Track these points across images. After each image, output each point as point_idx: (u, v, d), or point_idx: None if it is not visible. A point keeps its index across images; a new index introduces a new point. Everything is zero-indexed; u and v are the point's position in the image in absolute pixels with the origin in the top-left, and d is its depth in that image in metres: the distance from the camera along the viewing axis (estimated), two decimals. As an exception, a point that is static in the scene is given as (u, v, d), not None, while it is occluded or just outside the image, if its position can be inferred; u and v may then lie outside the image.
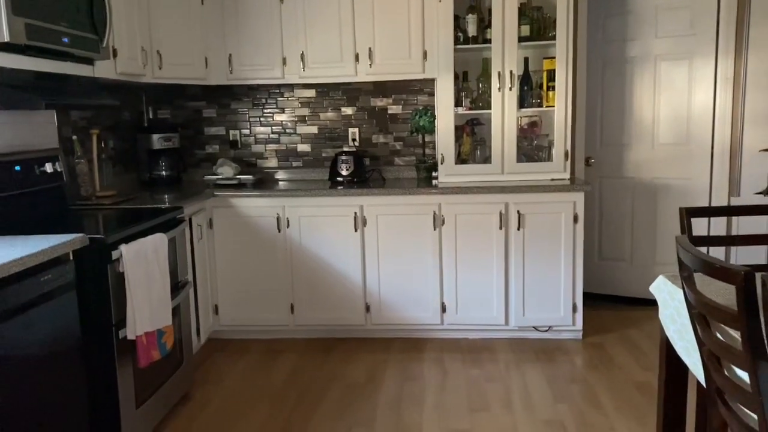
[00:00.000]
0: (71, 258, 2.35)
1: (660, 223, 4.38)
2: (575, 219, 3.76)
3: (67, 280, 2.30)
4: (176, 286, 3.07)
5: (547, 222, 3.77)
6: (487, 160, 4.01)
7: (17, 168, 2.80)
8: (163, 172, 4.24)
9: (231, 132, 4.49)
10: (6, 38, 2.34)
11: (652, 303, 4.25)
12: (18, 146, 2.95)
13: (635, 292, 4.51)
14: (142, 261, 2.62)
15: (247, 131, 4.48)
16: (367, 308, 3.93)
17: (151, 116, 4.41)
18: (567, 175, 3.93)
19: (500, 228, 3.79)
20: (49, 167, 3.01)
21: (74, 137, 3.41)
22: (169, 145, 4.24)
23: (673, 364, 2.23)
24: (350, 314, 3.94)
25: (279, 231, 3.89)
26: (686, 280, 1.74)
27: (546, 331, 3.90)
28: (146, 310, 2.62)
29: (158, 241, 2.77)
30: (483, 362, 3.60)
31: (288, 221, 3.88)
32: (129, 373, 2.60)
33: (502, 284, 3.83)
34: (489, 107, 3.92)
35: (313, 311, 3.95)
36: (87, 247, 2.41)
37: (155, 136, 4.16)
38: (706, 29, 4.09)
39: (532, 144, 4.11)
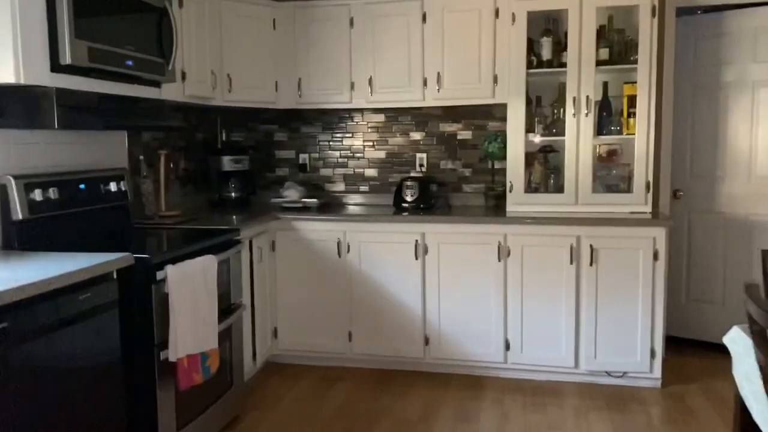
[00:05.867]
0: (115, 277, 2.37)
1: (756, 264, 3.95)
2: (655, 256, 3.45)
3: (109, 299, 2.32)
4: (227, 309, 3.05)
5: (624, 258, 3.48)
6: (560, 189, 3.78)
7: (81, 186, 2.89)
8: (233, 194, 4.29)
9: (300, 155, 4.50)
10: (68, 60, 2.42)
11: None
12: (84, 165, 3.06)
13: (727, 339, 4.09)
14: (188, 283, 2.62)
15: (316, 155, 4.48)
16: (426, 341, 3.77)
17: (224, 138, 4.50)
18: (648, 209, 3.63)
19: (571, 263, 3.54)
20: (113, 186, 3.10)
21: (141, 157, 3.51)
22: (240, 167, 4.29)
23: (749, 428, 1.94)
24: (409, 346, 3.79)
25: (339, 256, 3.82)
26: (757, 336, 1.49)
27: (620, 377, 3.58)
28: (189, 332, 2.60)
29: (207, 263, 2.76)
30: (547, 407, 3.34)
31: (348, 246, 3.81)
32: (170, 394, 2.58)
33: (572, 323, 3.57)
34: (564, 134, 3.71)
35: (372, 340, 3.84)
36: (132, 266, 2.42)
37: (226, 158, 4.23)
38: (813, 51, 3.70)
39: (610, 173, 3.84)
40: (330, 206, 4.24)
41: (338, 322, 3.87)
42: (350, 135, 4.41)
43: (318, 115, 4.42)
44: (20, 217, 2.56)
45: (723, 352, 3.96)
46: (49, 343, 2.02)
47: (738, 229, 4.05)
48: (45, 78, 2.40)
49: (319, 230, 3.85)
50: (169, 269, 2.52)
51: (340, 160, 4.44)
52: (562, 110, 3.75)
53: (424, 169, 4.26)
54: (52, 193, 2.70)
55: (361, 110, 4.32)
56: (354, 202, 4.40)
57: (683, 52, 4.09)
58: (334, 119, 4.42)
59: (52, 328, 2.04)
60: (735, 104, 4.01)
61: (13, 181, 2.55)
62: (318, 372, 3.88)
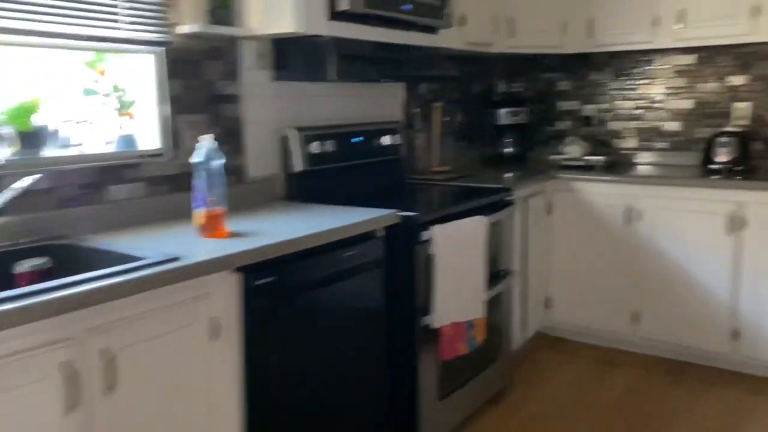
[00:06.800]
0: (381, 234, 2.25)
1: None
2: None
3: (374, 257, 2.22)
4: (497, 276, 2.79)
5: None
6: None
7: (356, 139, 2.85)
8: (508, 149, 4.00)
9: (586, 107, 3.99)
10: (346, 6, 2.32)
11: None
12: (359, 118, 3.02)
13: None
14: (455, 245, 2.40)
15: (605, 106, 3.92)
16: (735, 334, 3.08)
17: (501, 89, 4.19)
18: None
19: None
20: (387, 140, 3.01)
21: (416, 110, 3.38)
22: (516, 120, 3.97)
23: None
24: (710, 338, 3.14)
25: (627, 224, 3.29)
26: None
27: None
28: (455, 298, 2.40)
29: (476, 225, 2.52)
30: None
31: (640, 213, 3.25)
32: (432, 362, 2.43)
33: None
34: None
35: (662, 325, 3.27)
36: (398, 224, 2.28)
37: (502, 111, 3.94)
38: None
39: None
40: (618, 165, 3.68)
41: (622, 300, 3.37)
42: (648, 82, 3.75)
43: (609, 59, 3.84)
44: (299, 168, 2.59)
45: None
46: (314, 298, 1.98)
47: None
48: (323, 27, 2.33)
49: (604, 193, 3.36)
50: (436, 229, 2.33)
51: (634, 111, 3.82)
52: None
53: (745, 123, 3.43)
54: (329, 146, 2.69)
55: (664, 51, 3.63)
56: (648, 161, 3.77)
57: None
58: (628, 64, 3.80)
59: (318, 284, 1.99)
60: None
61: (294, 134, 2.59)
62: (595, 352, 3.45)
